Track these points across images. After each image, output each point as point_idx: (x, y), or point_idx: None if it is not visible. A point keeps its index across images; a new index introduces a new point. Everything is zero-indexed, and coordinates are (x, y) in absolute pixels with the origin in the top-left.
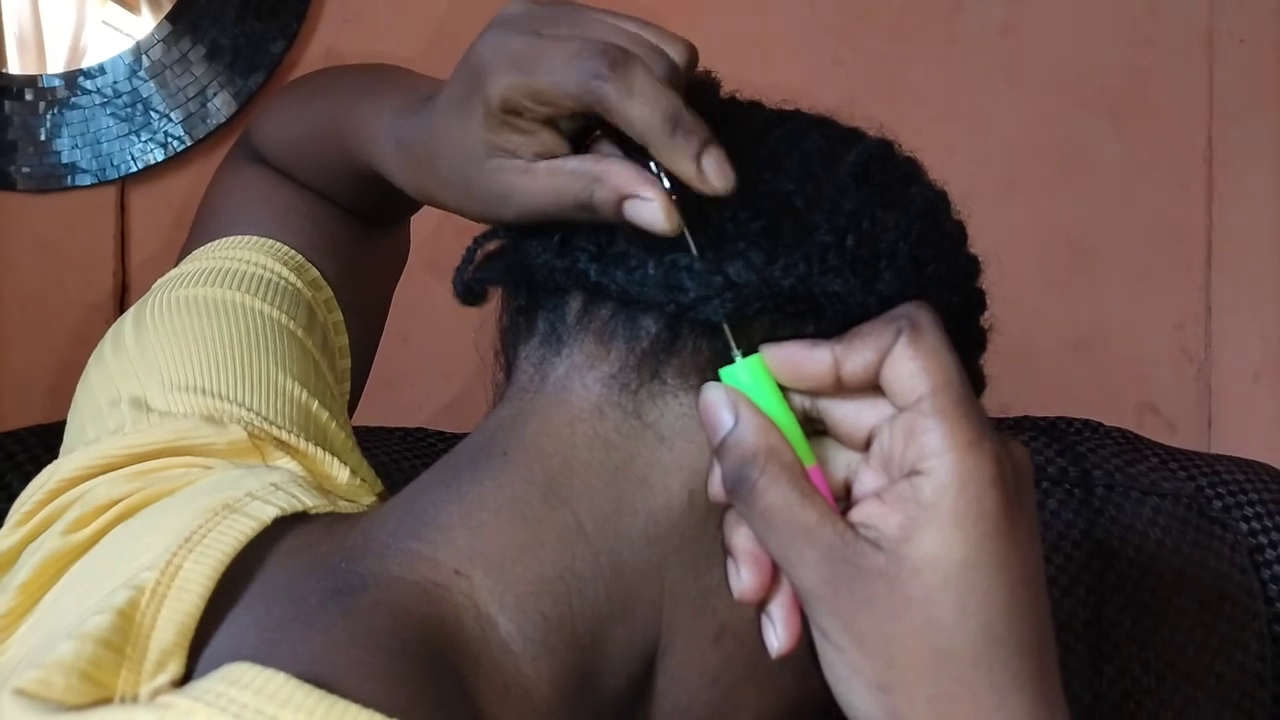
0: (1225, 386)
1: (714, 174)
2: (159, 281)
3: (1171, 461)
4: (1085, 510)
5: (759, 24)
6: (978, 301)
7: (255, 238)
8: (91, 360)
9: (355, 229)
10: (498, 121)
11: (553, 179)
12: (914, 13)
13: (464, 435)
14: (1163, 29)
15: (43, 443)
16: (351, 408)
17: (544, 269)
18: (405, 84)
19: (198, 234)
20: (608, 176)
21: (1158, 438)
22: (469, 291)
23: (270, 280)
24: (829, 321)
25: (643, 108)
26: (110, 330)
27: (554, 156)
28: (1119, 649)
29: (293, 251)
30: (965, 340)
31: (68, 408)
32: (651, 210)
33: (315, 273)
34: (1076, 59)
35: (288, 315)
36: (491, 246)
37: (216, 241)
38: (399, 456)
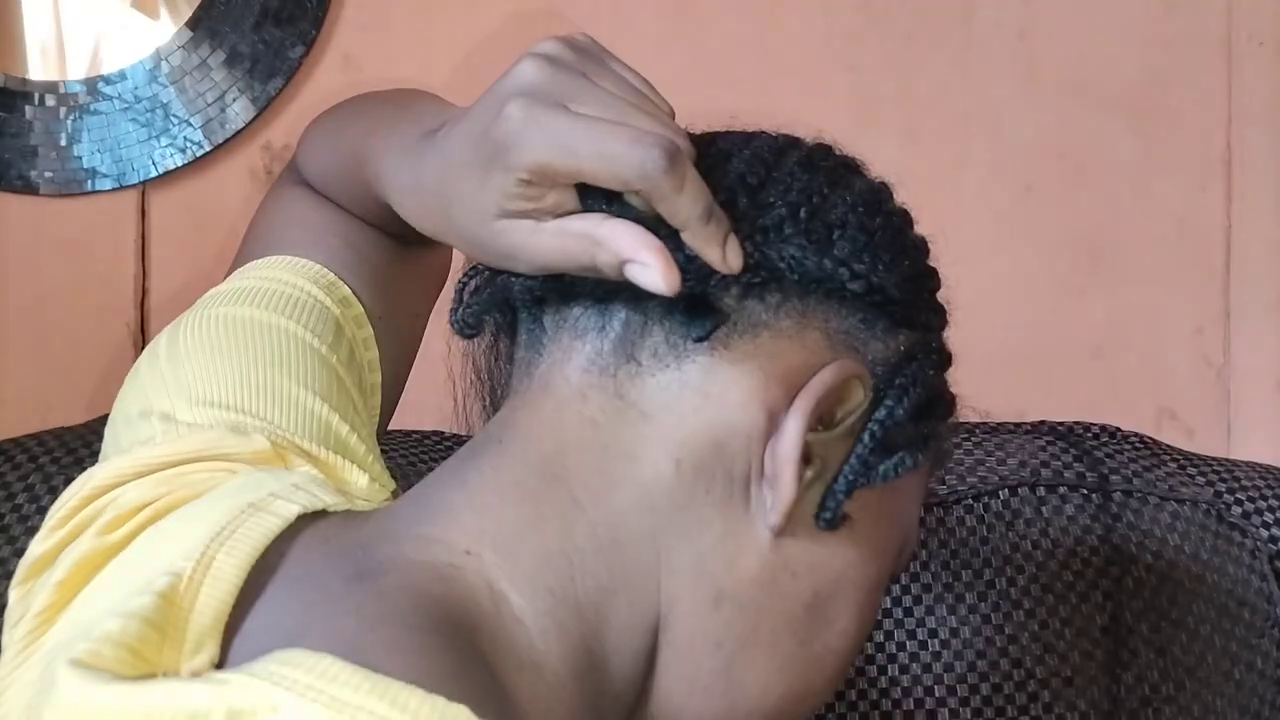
0: (1244, 391)
1: (733, 257)
2: (201, 299)
3: (1190, 467)
4: (1103, 516)
5: (773, 30)
6: (931, 274)
7: (290, 258)
8: (130, 375)
9: (389, 249)
10: (516, 190)
11: (559, 240)
12: (930, 18)
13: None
14: (1180, 32)
15: (64, 445)
16: (387, 416)
17: (521, 287)
18: (414, 116)
19: (243, 254)
20: (609, 240)
21: (1176, 443)
22: (466, 326)
23: (300, 299)
24: (790, 285)
25: (690, 202)
26: (149, 346)
27: (561, 212)
28: (1137, 655)
29: (324, 270)
30: (925, 313)
31: (89, 411)
32: (651, 275)
33: (346, 290)
34: (1093, 62)
35: (313, 333)
36: (475, 282)
37: (255, 261)
38: (415, 459)
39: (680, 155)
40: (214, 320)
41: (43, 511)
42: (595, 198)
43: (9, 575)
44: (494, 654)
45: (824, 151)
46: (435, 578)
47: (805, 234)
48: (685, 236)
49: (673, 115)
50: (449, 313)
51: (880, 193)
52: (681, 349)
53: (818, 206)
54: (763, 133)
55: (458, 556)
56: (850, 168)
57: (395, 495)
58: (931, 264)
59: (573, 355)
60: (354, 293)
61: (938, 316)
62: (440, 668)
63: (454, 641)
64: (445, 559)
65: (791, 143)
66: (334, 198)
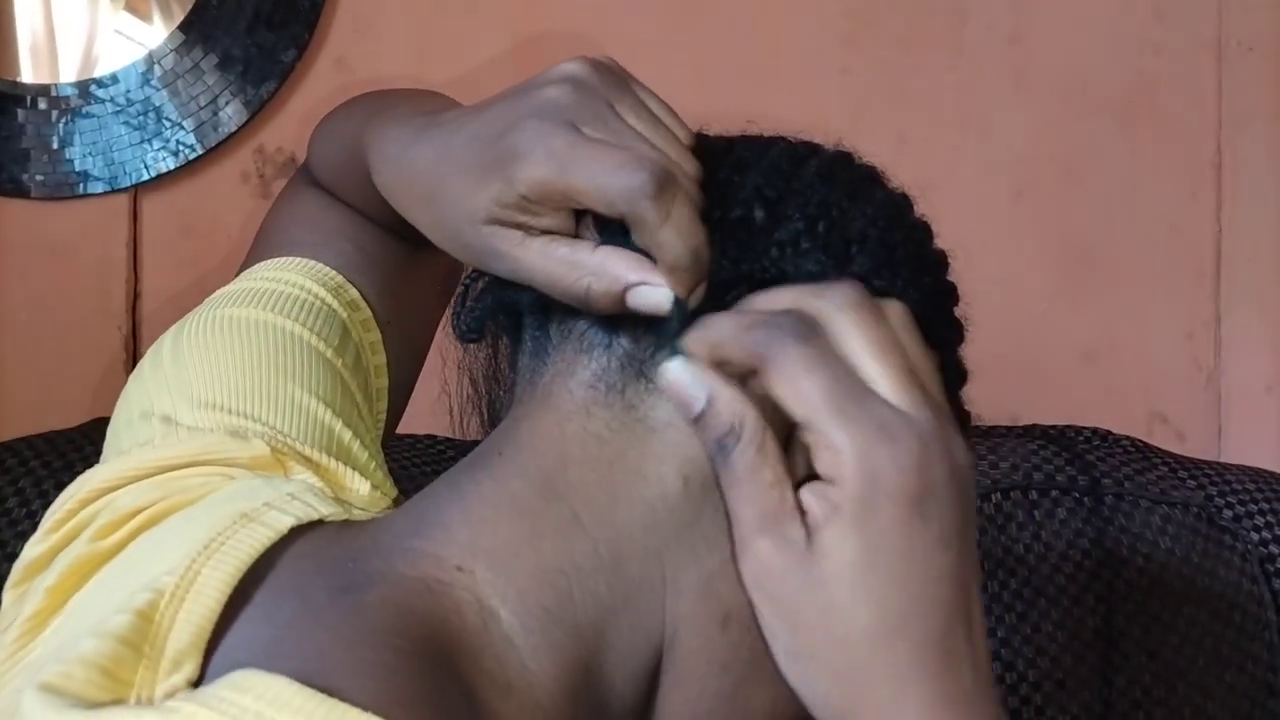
0: (1235, 395)
1: (693, 302)
2: (207, 299)
3: (1181, 470)
4: (1095, 519)
5: (767, 34)
6: (950, 290)
7: (299, 259)
8: (133, 375)
9: (399, 253)
10: (514, 202)
11: (545, 261)
12: (922, 21)
13: (473, 441)
14: (1171, 37)
15: (55, 449)
16: (394, 422)
17: (529, 296)
18: (418, 106)
19: (253, 253)
20: (604, 268)
21: (1168, 447)
22: (468, 331)
23: (306, 301)
24: None
25: (676, 239)
26: (154, 345)
27: (554, 234)
28: (1129, 659)
29: (332, 272)
30: (943, 329)
31: (82, 414)
32: (659, 294)
33: (354, 293)
34: (1084, 67)
35: (318, 336)
36: (481, 284)
37: (264, 262)
38: (408, 464)
39: (672, 186)
40: (218, 321)
41: (33, 516)
42: (611, 233)
43: (1, 580)
44: (475, 675)
45: (844, 160)
46: (422, 593)
47: (823, 248)
48: (664, 271)
49: (690, 144)
50: (451, 316)
51: (901, 205)
52: None
53: (836, 220)
54: (781, 139)
55: (448, 572)
56: (871, 178)
57: (396, 504)
58: (951, 279)
59: (577, 369)
60: (363, 296)
61: (955, 333)
62: (408, 692)
63: (431, 663)
64: (435, 574)
65: (811, 151)
66: (341, 194)
